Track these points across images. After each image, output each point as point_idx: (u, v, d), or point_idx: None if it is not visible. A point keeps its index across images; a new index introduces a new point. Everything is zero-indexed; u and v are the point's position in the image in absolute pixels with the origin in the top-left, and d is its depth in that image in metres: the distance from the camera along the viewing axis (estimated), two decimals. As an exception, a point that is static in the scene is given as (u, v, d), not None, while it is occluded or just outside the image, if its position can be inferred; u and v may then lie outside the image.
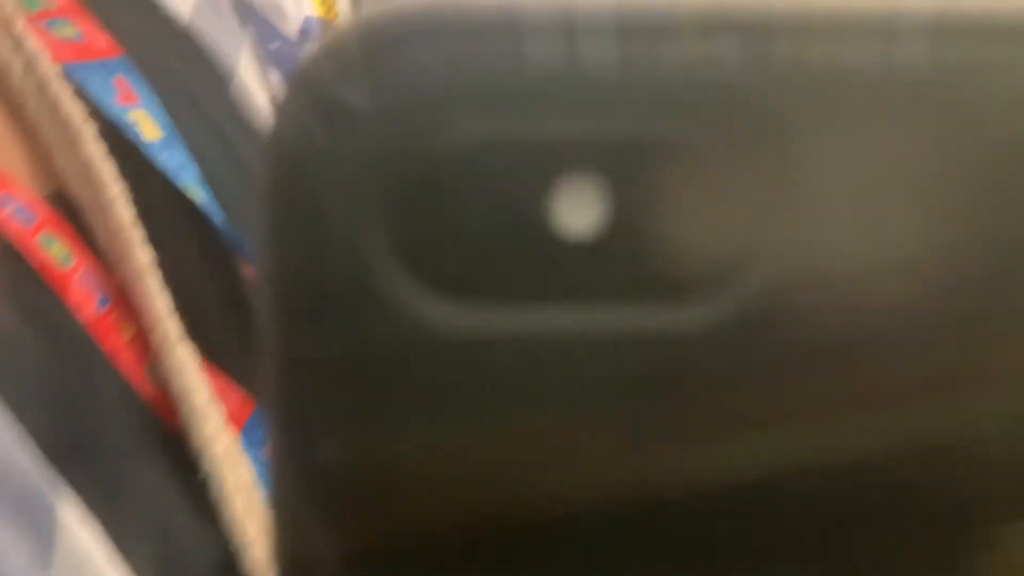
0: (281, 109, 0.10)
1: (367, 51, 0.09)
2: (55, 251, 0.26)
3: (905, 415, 0.10)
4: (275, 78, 0.41)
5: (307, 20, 0.44)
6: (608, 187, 0.09)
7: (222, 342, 0.31)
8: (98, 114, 0.30)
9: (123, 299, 0.28)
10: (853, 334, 0.10)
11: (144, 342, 0.28)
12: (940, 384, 0.10)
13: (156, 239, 0.29)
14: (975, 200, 0.10)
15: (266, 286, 0.10)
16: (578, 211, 0.09)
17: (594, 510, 0.10)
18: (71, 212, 0.28)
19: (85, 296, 0.26)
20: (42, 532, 0.22)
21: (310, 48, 0.10)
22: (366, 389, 0.10)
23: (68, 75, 0.30)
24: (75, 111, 0.28)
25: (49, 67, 0.29)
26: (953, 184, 0.10)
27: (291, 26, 0.42)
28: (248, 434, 0.30)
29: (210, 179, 0.33)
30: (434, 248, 0.10)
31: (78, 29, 0.32)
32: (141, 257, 0.28)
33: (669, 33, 0.09)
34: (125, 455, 0.25)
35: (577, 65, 0.09)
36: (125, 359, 0.27)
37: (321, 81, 0.09)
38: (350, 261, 0.10)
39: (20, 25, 0.29)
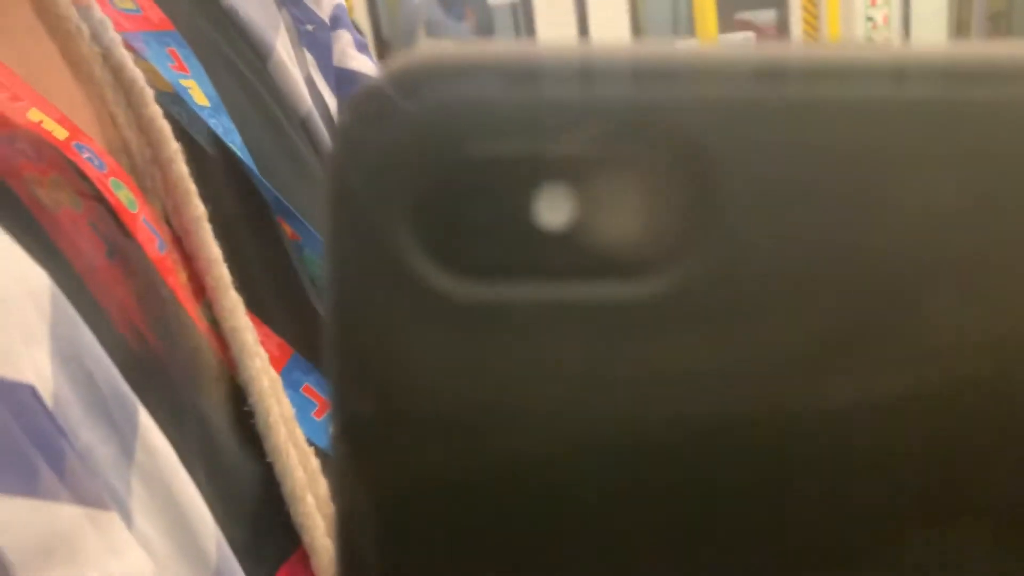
0: (342, 126, 0.12)
1: (413, 82, 0.12)
2: (123, 195, 0.28)
3: (852, 377, 0.12)
4: (307, 57, 0.44)
5: (338, 7, 0.47)
6: (588, 190, 0.12)
7: (262, 294, 0.33)
8: (156, 79, 0.32)
9: (177, 247, 0.30)
10: (787, 304, 0.12)
11: (195, 287, 0.30)
12: (902, 356, 0.12)
13: (206, 195, 0.31)
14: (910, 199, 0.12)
15: (326, 256, 0.12)
16: (558, 208, 0.12)
17: (586, 447, 0.13)
18: (130, 168, 0.30)
19: (148, 238, 0.29)
20: (126, 432, 0.24)
21: (377, 71, 0.13)
22: (398, 349, 0.12)
23: (129, 43, 0.32)
24: (137, 74, 0.31)
25: (114, 34, 0.31)
26: (887, 188, 0.12)
27: (324, 10, 0.45)
28: (286, 376, 0.32)
29: (251, 145, 0.35)
30: (450, 233, 0.12)
31: (136, 3, 0.34)
32: (197, 207, 0.30)
33: (631, 74, 0.12)
34: (185, 379, 0.28)
35: (571, 103, 0.12)
36: (184, 296, 0.29)
37: (380, 99, 0.12)
38: (392, 253, 0.12)
39: None
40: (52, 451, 0.22)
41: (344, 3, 0.48)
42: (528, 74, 0.12)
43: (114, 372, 0.24)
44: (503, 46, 0.12)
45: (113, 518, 0.23)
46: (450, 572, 0.13)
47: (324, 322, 0.13)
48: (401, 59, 0.12)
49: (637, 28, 3.29)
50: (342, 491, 0.13)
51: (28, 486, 0.21)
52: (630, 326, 0.12)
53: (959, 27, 3.97)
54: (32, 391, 0.22)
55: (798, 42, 0.13)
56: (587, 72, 0.12)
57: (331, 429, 0.13)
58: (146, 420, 0.24)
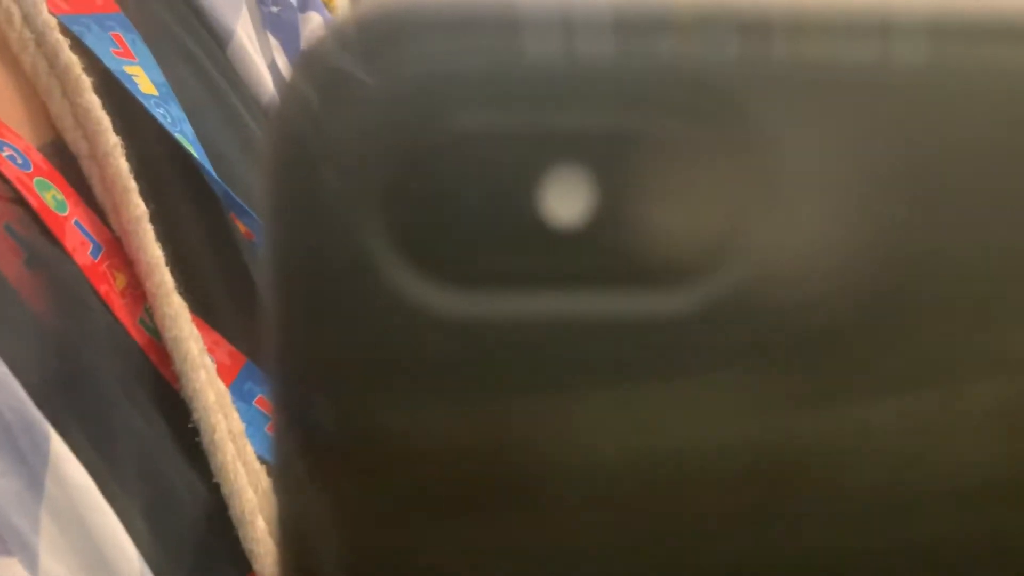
0: (287, 87, 0.10)
1: (373, 37, 0.10)
2: (50, 196, 0.26)
3: (889, 403, 0.10)
4: (273, 41, 0.41)
5: None
6: (596, 176, 0.10)
7: (213, 298, 0.31)
8: (95, 66, 0.30)
9: (117, 249, 0.28)
10: (832, 323, 0.10)
11: (136, 292, 0.28)
12: (926, 374, 0.11)
13: (151, 192, 0.29)
14: (955, 196, 0.10)
15: (267, 256, 0.10)
16: (567, 199, 0.10)
17: (581, 481, 0.11)
18: (65, 162, 0.28)
19: (79, 242, 0.26)
20: (34, 463, 0.22)
21: (319, 31, 0.10)
22: (359, 361, 0.10)
23: (66, 26, 0.30)
24: (73, 61, 0.29)
25: (48, 17, 0.29)
26: (933, 180, 0.10)
27: None
28: (239, 387, 0.30)
29: (204, 137, 0.33)
30: (424, 230, 0.10)
31: None
32: (137, 207, 0.28)
33: (659, 30, 0.10)
34: (117, 397, 0.26)
35: (569, 59, 0.10)
36: (118, 306, 0.27)
37: (327, 63, 0.10)
38: (345, 237, 0.10)
39: None
40: None
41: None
42: (526, 28, 0.10)
43: (22, 396, 0.22)
44: None
45: (11, 564, 0.20)
46: None
47: (266, 323, 0.10)
48: (360, 11, 0.10)
49: None
50: (294, 524, 0.11)
51: None
52: (653, 348, 0.10)
53: None
54: None
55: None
56: (596, 24, 0.10)
57: (274, 451, 0.11)
58: (60, 448, 0.22)
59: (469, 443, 0.11)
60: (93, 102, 0.28)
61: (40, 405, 0.22)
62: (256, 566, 0.28)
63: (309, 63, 0.10)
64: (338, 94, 0.10)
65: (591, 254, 0.10)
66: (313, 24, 0.44)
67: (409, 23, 0.10)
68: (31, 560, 0.21)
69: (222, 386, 0.28)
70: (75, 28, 0.30)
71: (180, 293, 0.28)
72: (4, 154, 0.25)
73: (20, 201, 0.25)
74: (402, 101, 0.10)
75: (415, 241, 0.10)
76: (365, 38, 0.10)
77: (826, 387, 0.10)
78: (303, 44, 0.43)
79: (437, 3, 0.10)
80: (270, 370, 0.11)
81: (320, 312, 0.10)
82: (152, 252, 0.28)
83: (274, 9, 0.42)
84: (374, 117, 0.10)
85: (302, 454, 0.11)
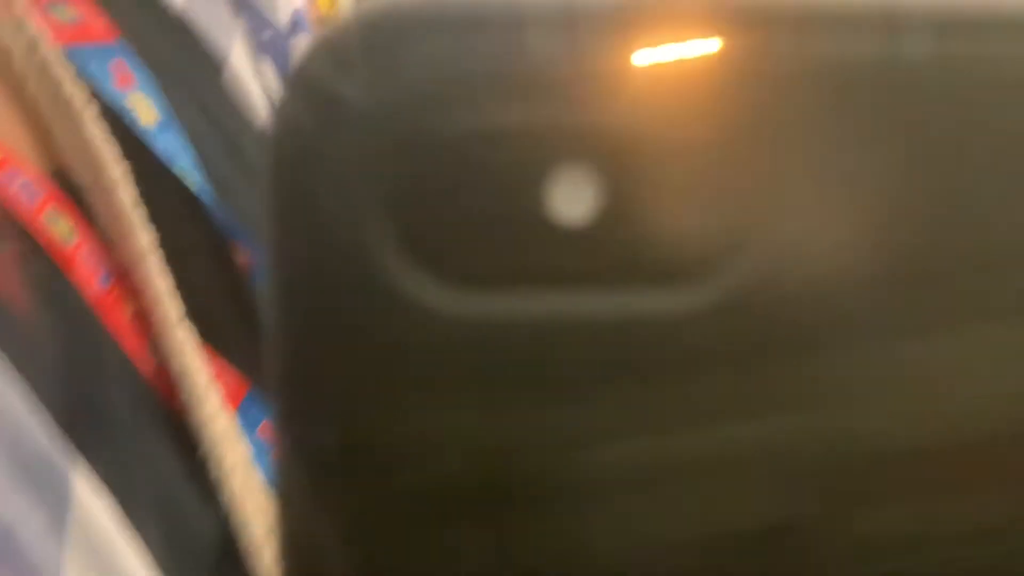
0: (280, 104, 0.10)
1: (362, 45, 0.10)
2: (60, 228, 0.26)
3: (903, 400, 0.11)
4: (267, 67, 0.42)
5: (296, 12, 0.44)
6: (602, 175, 0.10)
7: (218, 324, 0.31)
8: (97, 97, 0.30)
9: (124, 278, 0.28)
10: (840, 320, 0.10)
11: (144, 321, 0.28)
12: (937, 370, 0.11)
13: (154, 222, 0.29)
14: (964, 190, 0.10)
15: (270, 275, 0.10)
16: (573, 199, 0.10)
17: (588, 486, 0.11)
18: (72, 191, 0.28)
19: (89, 273, 0.27)
20: (56, 501, 0.22)
21: (306, 42, 0.10)
22: (366, 371, 0.10)
23: (68, 57, 0.30)
24: (76, 93, 0.29)
25: (50, 49, 0.29)
26: (942, 174, 0.10)
27: (282, 16, 0.43)
28: (244, 414, 0.30)
29: (205, 164, 0.33)
30: (432, 235, 0.10)
31: (77, 12, 0.32)
32: (142, 238, 0.28)
33: (663, 30, 0.10)
34: (131, 430, 0.26)
35: (570, 58, 0.09)
36: (127, 336, 0.27)
37: (317, 77, 0.10)
38: (349, 249, 0.10)
39: (21, 6, 0.29)
40: None
41: (303, 7, 0.46)
42: (522, 25, 0.09)
43: (43, 434, 0.22)
44: None
45: None
46: None
47: (269, 344, 0.10)
48: (350, 14, 0.10)
49: None
50: (296, 536, 0.11)
51: None
52: (656, 348, 0.10)
53: None
54: None
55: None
56: (599, 22, 0.09)
57: (278, 465, 0.11)
58: (81, 486, 0.22)
59: (474, 448, 0.11)
60: (95, 135, 0.28)
61: (62, 439, 0.22)
62: None
63: (299, 77, 0.10)
64: (331, 107, 0.10)
65: (596, 253, 0.10)
66: (303, 46, 0.44)
67: (399, 28, 0.09)
68: None
69: (229, 415, 0.29)
70: (76, 59, 0.30)
71: (186, 319, 0.28)
72: (17, 186, 0.25)
73: (30, 237, 0.25)
74: (396, 109, 0.10)
75: (421, 248, 0.10)
76: (354, 47, 0.10)
77: (832, 386, 0.10)
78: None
79: (426, 6, 0.10)
80: (272, 387, 0.11)
81: (326, 325, 0.10)
82: (157, 284, 0.28)
83: (265, 36, 0.42)
84: (368, 128, 0.10)
85: (304, 468, 0.11)
